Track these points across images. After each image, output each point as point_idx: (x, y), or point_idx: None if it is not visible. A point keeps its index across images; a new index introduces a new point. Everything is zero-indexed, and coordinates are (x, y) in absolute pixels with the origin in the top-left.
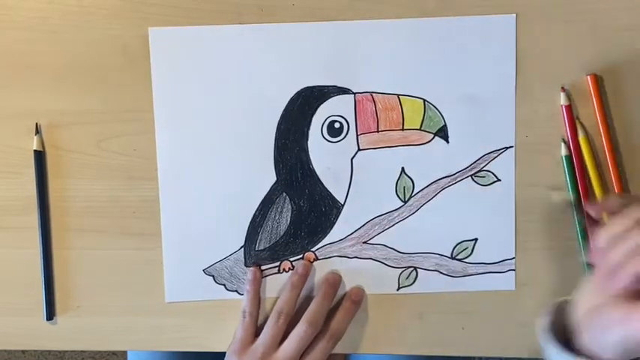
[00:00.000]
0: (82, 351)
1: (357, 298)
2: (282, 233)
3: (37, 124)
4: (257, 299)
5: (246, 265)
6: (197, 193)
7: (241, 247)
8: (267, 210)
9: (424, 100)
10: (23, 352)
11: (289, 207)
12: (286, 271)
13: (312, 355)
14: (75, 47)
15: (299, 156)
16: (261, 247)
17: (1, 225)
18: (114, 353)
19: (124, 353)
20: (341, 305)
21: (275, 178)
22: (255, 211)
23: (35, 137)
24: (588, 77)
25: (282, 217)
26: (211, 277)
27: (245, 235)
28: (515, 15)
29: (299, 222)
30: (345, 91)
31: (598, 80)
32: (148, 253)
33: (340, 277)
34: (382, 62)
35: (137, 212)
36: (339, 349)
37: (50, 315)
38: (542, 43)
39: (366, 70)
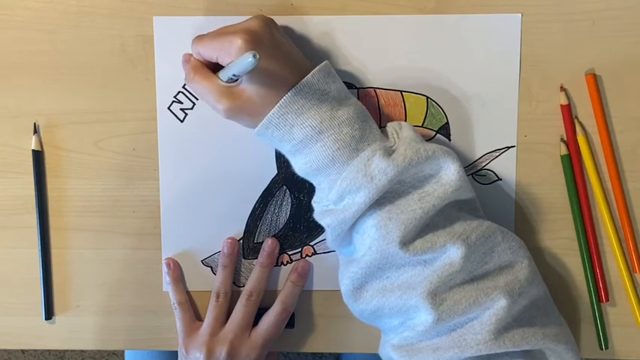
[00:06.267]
0: (81, 351)
1: (303, 271)
2: (281, 226)
3: (35, 123)
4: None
5: (244, 257)
6: (197, 188)
7: (240, 239)
8: (267, 203)
9: (427, 97)
10: (23, 351)
11: (289, 200)
12: (284, 265)
13: (265, 322)
14: (74, 47)
15: None
16: (260, 240)
17: (0, 225)
18: (114, 353)
19: (123, 353)
20: (287, 278)
21: (276, 172)
22: (255, 204)
23: (33, 137)
24: (587, 77)
25: (282, 211)
26: (209, 268)
27: (244, 227)
28: (520, 15)
29: (298, 216)
30: (348, 85)
31: (597, 80)
32: (148, 253)
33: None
34: (386, 58)
35: (137, 212)
36: (335, 348)
37: (49, 314)
38: (541, 42)
39: (370, 65)
